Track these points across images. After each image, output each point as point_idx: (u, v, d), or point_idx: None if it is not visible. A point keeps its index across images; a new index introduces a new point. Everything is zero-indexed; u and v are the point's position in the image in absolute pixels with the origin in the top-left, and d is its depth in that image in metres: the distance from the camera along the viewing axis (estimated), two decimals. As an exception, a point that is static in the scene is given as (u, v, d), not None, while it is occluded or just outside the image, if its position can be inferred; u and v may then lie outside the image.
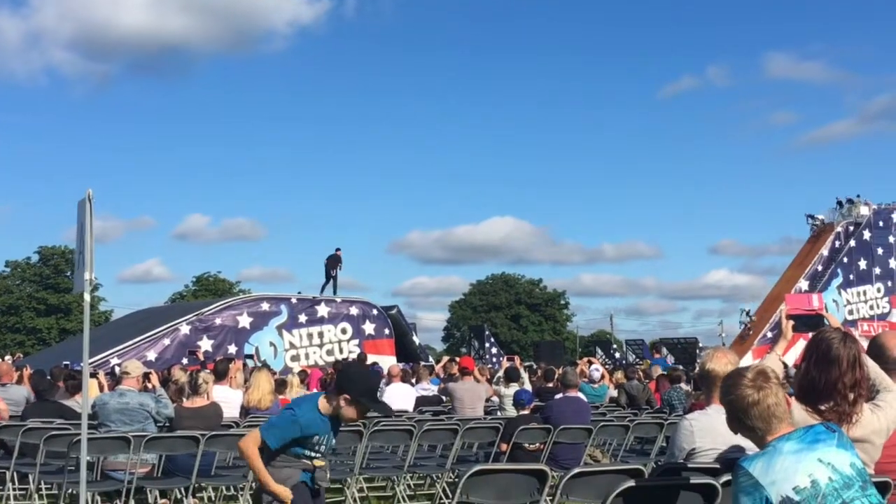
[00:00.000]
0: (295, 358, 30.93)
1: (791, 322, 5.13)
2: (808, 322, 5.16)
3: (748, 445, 4.26)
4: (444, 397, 14.47)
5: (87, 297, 7.20)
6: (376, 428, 9.99)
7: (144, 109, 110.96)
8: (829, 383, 4.23)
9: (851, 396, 4.21)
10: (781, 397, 3.65)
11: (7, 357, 31.71)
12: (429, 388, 16.51)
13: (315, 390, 17.09)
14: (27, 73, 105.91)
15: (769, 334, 44.36)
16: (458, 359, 18.16)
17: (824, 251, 49.41)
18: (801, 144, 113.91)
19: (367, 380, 5.82)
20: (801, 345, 5.01)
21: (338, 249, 34.05)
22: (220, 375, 12.19)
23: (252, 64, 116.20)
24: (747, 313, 48.74)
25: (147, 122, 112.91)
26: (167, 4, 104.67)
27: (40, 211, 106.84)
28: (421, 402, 14.95)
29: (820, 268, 49.03)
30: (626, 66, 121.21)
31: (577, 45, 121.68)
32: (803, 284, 47.69)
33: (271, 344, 30.88)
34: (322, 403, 5.60)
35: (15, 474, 9.78)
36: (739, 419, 3.66)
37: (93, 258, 7.09)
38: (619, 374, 18.57)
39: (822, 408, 4.20)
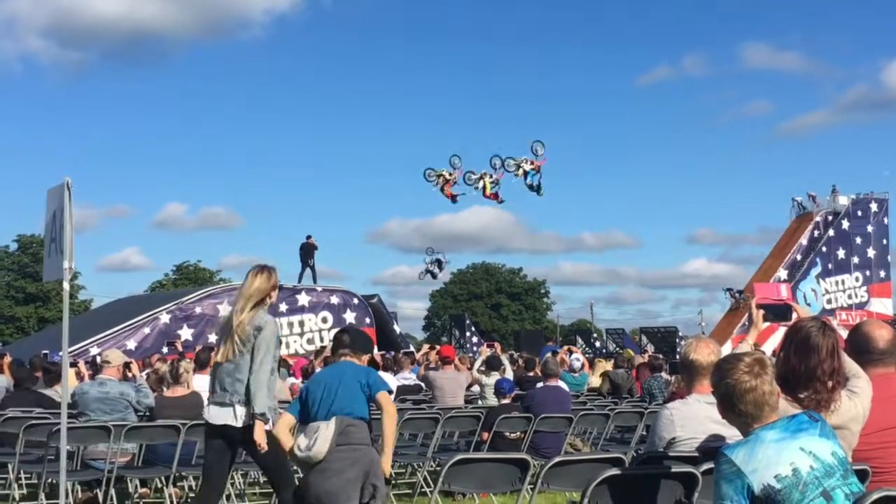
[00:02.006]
0: (275, 347, 30.84)
1: (761, 311, 5.16)
2: (777, 312, 5.21)
3: (728, 434, 4.29)
4: (423, 385, 14.46)
5: (66, 285, 7.17)
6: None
7: (121, 97, 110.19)
8: (808, 371, 4.26)
9: (830, 384, 4.24)
10: (775, 387, 3.67)
11: (-15, 346, 31.54)
12: (409, 377, 16.50)
13: (297, 379, 17.10)
14: (1, 61, 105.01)
15: (747, 323, 44.52)
16: (437, 347, 18.17)
17: (803, 240, 49.67)
18: (777, 134, 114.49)
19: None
20: (780, 333, 5.04)
21: (309, 237, 33.77)
22: (202, 365, 12.14)
23: (229, 52, 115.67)
24: (730, 291, 48.96)
25: (124, 110, 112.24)
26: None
27: (18, 199, 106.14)
28: (402, 391, 14.94)
29: (799, 257, 49.29)
30: (602, 55, 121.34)
31: (555, 34, 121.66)
32: (782, 273, 47.95)
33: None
34: None
35: (-6, 464, 9.74)
36: (732, 404, 3.67)
37: (72, 247, 7.05)
38: (606, 363, 18.61)
39: (802, 395, 4.23)
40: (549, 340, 28.67)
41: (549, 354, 18.31)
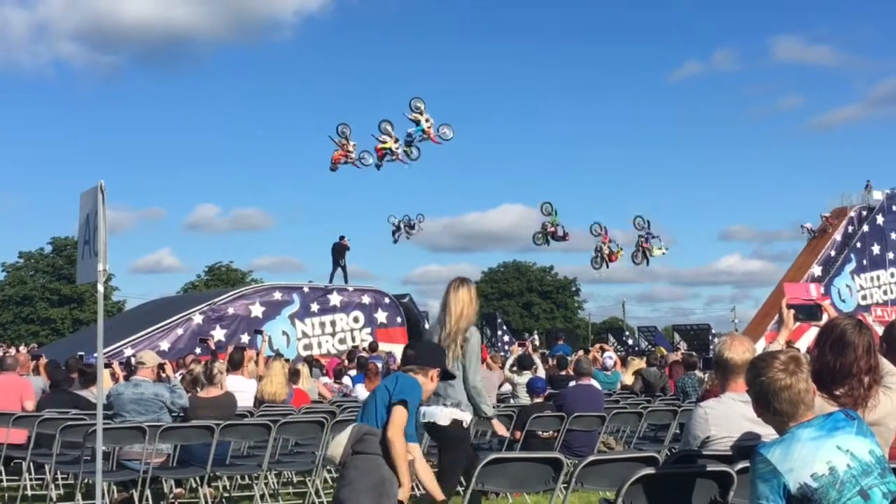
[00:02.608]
0: (307, 347, 30.92)
1: (792, 311, 5.13)
2: (807, 311, 5.19)
3: (764, 433, 4.26)
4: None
5: (100, 287, 7.21)
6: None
7: (153, 100, 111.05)
8: (844, 367, 4.24)
9: (867, 380, 4.21)
10: (811, 385, 3.64)
11: (22, 347, 31.87)
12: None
13: (329, 379, 17.16)
14: (35, 66, 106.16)
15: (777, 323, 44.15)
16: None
17: (837, 236, 49.16)
18: (810, 129, 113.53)
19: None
20: (810, 333, 5.02)
21: (343, 237, 33.93)
22: (235, 365, 12.22)
23: (259, 54, 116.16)
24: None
25: (155, 112, 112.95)
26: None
27: (53, 202, 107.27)
28: (433, 390, 14.93)
29: (833, 253, 48.80)
30: (633, 51, 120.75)
31: (585, 31, 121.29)
32: (816, 270, 47.51)
33: (284, 333, 30.85)
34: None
35: (31, 464, 9.84)
36: (767, 402, 3.64)
37: (106, 249, 7.10)
38: (639, 361, 18.50)
39: (837, 393, 4.21)
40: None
41: (580, 353, 18.28)
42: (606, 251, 34.87)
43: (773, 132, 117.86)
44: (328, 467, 9.97)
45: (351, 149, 31.82)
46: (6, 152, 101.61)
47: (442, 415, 6.83)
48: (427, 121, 31.14)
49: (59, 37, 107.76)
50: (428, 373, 5.79)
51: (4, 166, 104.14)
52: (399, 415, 5.40)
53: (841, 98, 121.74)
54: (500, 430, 7.27)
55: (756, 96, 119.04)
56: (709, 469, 4.48)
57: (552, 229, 34.06)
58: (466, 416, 6.92)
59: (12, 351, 24.57)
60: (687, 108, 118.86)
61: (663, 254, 36.10)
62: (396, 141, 31.76)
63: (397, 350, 24.46)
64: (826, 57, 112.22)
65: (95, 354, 7.96)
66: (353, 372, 16.57)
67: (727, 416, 4.77)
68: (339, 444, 5.49)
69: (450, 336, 6.88)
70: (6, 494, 10.16)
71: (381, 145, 31.20)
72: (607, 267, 35.37)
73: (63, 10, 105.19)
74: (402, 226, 35.63)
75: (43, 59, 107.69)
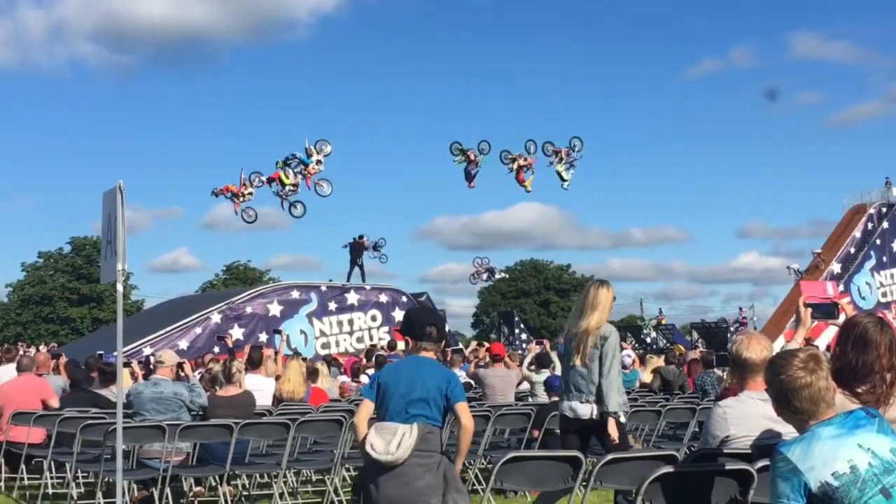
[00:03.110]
0: (325, 346, 31.00)
1: (809, 310, 5.11)
2: (824, 310, 5.18)
3: (784, 431, 4.24)
4: (472, 382, 14.42)
5: (119, 287, 7.23)
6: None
7: (169, 100, 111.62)
8: (866, 366, 4.22)
9: (889, 378, 4.20)
10: (831, 383, 3.63)
11: (42, 347, 32.04)
12: (460, 375, 16.52)
13: (347, 377, 17.19)
14: (52, 66, 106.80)
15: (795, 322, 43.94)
16: (486, 343, 18.14)
17: (857, 233, 48.90)
18: (828, 125, 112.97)
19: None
20: (828, 332, 5.02)
21: (361, 236, 34.05)
22: (254, 364, 12.25)
23: (274, 53, 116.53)
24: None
25: (172, 112, 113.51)
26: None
27: (71, 202, 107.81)
28: (452, 388, 14.89)
29: (852, 250, 48.56)
30: (648, 48, 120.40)
31: (600, 28, 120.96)
32: (835, 267, 47.30)
33: (302, 332, 30.95)
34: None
35: (52, 463, 9.90)
36: (788, 400, 3.63)
37: (125, 248, 7.13)
38: (658, 359, 18.43)
39: (859, 390, 4.19)
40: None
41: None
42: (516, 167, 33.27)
43: (791, 129, 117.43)
44: (347, 465, 9.99)
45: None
46: (25, 153, 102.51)
47: (584, 410, 7.30)
48: (318, 163, 30.85)
49: (76, 37, 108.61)
50: (440, 346, 6.08)
51: (23, 167, 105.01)
52: (469, 414, 5.86)
53: (860, 94, 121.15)
54: (613, 432, 7.23)
55: (774, 93, 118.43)
56: (728, 467, 4.46)
57: (473, 160, 32.71)
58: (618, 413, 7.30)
59: (32, 351, 24.73)
60: (704, 105, 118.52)
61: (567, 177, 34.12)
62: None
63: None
64: (845, 53, 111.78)
65: (115, 353, 8.00)
66: (371, 370, 16.59)
67: (746, 415, 4.76)
68: (408, 448, 5.48)
69: (586, 332, 7.29)
70: (27, 493, 10.23)
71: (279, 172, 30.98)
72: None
73: (79, 11, 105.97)
74: (369, 246, 35.81)
75: (60, 60, 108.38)
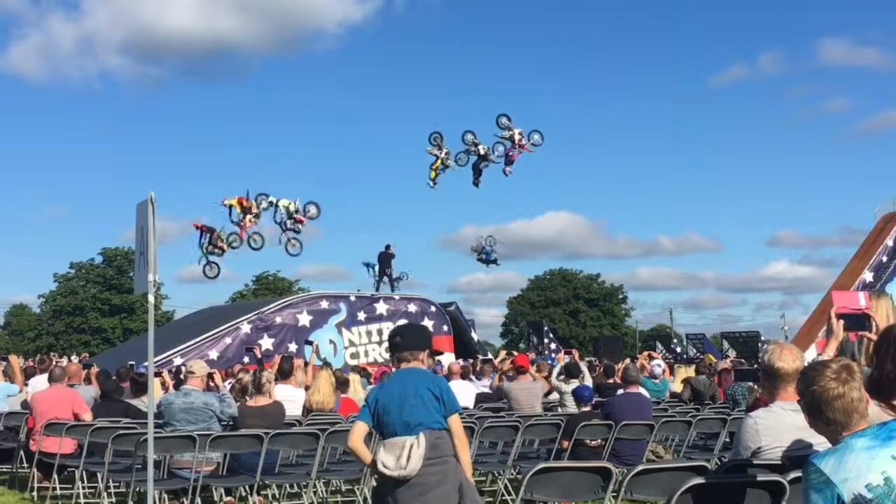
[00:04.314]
0: (354, 356, 31.05)
1: (841, 321, 5.04)
2: (855, 321, 5.09)
3: (816, 441, 4.20)
4: (497, 394, 14.37)
5: (151, 298, 7.29)
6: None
7: (198, 111, 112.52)
8: (905, 376, 4.16)
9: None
10: (864, 394, 3.59)
11: (74, 357, 32.31)
12: (485, 384, 16.52)
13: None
14: (82, 78, 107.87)
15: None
16: (515, 353, 18.11)
17: (889, 241, 48.31)
18: (858, 132, 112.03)
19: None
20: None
21: (389, 246, 34.14)
22: (284, 374, 12.29)
23: (303, 64, 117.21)
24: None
25: (201, 123, 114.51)
26: (217, 6, 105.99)
27: (102, 213, 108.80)
28: (481, 398, 14.91)
29: (885, 258, 47.99)
30: (676, 56, 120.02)
31: (627, 36, 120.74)
32: (868, 276, 46.74)
33: (331, 342, 31.00)
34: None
35: (84, 473, 9.98)
36: (820, 411, 3.60)
37: (156, 260, 7.19)
38: (688, 369, 18.36)
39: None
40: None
41: (628, 361, 18.16)
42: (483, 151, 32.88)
43: (821, 136, 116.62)
44: (375, 475, 9.99)
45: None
46: (57, 165, 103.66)
47: None
48: (256, 216, 30.64)
49: (106, 50, 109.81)
50: (419, 356, 5.98)
51: (56, 179, 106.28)
52: (461, 425, 5.82)
53: (890, 101, 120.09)
54: None
55: (802, 100, 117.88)
56: (760, 479, 4.43)
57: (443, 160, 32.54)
58: None
59: (63, 361, 24.93)
60: (732, 113, 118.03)
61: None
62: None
63: (445, 359, 24.51)
64: (874, 59, 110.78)
65: (146, 364, 8.05)
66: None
67: (777, 426, 4.72)
68: (419, 459, 5.49)
69: None
70: (60, 502, 10.31)
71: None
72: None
73: (108, 24, 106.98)
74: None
75: (90, 72, 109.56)
